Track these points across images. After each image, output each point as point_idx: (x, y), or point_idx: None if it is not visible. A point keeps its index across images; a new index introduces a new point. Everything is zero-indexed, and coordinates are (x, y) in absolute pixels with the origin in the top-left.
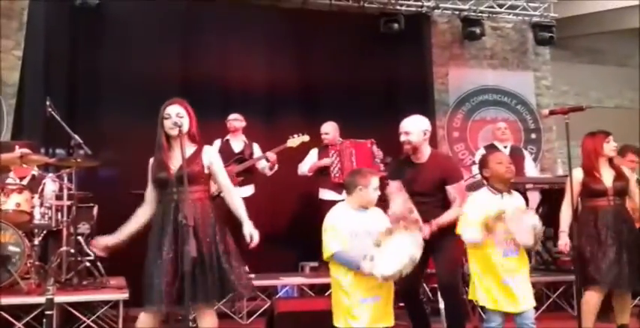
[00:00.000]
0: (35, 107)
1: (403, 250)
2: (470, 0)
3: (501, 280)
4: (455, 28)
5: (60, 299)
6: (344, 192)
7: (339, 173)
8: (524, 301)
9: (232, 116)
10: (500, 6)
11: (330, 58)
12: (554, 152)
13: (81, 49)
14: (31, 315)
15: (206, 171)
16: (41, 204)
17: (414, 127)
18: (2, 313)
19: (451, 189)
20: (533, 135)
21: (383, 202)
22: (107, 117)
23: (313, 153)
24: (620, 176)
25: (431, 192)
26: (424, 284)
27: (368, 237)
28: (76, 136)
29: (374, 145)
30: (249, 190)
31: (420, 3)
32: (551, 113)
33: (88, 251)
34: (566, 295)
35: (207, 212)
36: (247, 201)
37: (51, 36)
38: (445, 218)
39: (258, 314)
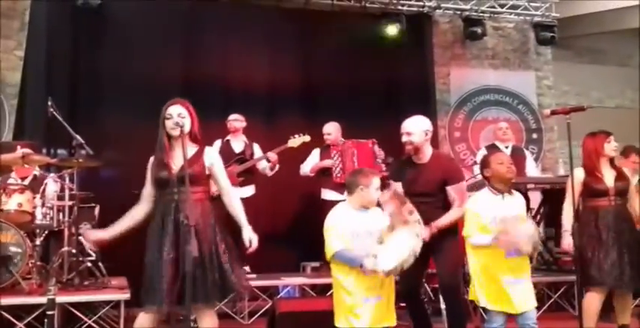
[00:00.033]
0: (37, 107)
1: (403, 244)
2: (471, 0)
3: (503, 280)
4: (456, 28)
5: (61, 299)
6: (346, 192)
7: (341, 173)
8: (525, 301)
9: (233, 116)
10: (502, 6)
11: (332, 58)
12: (556, 152)
13: (82, 50)
14: (33, 315)
15: (207, 172)
16: (43, 205)
17: (415, 128)
18: (4, 313)
19: (451, 190)
20: (535, 135)
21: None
22: (109, 118)
23: (315, 153)
24: (621, 176)
25: (432, 193)
26: (425, 285)
27: (369, 237)
28: (78, 136)
29: (375, 145)
30: (249, 190)
31: (421, 3)
32: (553, 113)
33: (90, 251)
34: (567, 295)
35: (207, 212)
36: (248, 201)
37: (53, 36)
38: (445, 219)
39: (259, 314)
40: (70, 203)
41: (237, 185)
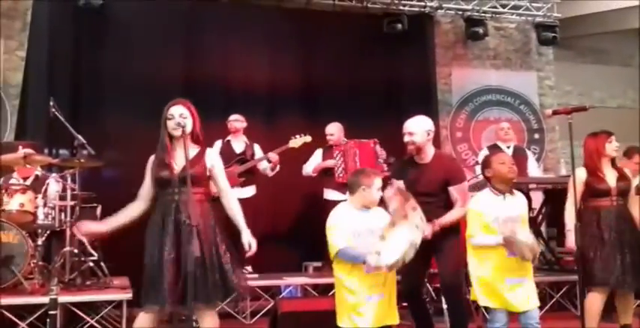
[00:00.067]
0: (39, 107)
1: (404, 237)
2: (473, 0)
3: (504, 280)
4: (458, 28)
5: (63, 299)
6: (347, 191)
7: (343, 173)
8: (528, 300)
9: (233, 117)
10: (504, 6)
11: (333, 59)
12: (558, 152)
13: (84, 50)
14: (35, 315)
15: (207, 173)
16: (45, 205)
17: (417, 128)
18: (6, 313)
19: (453, 190)
20: (537, 136)
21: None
22: (110, 118)
23: (318, 153)
24: (622, 176)
25: (434, 193)
26: (427, 284)
27: (371, 236)
28: (80, 137)
29: (377, 145)
30: (250, 191)
31: (423, 3)
32: (555, 113)
33: (92, 251)
34: (569, 295)
35: (207, 213)
36: (249, 201)
37: (54, 36)
38: (448, 218)
39: (261, 314)
40: (72, 203)
41: (238, 185)
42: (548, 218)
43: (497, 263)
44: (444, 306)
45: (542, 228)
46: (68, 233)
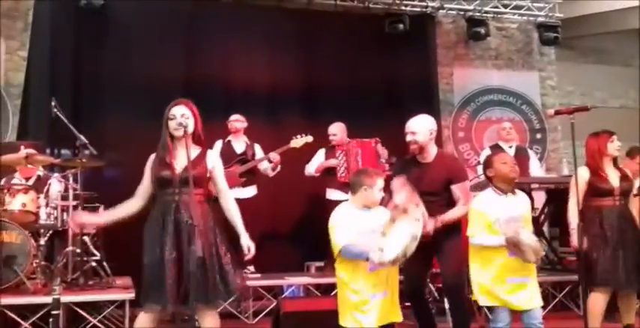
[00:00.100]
0: (40, 107)
1: (405, 231)
2: (475, 0)
3: (506, 280)
4: (460, 29)
5: (66, 298)
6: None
7: (346, 173)
8: (531, 300)
9: (234, 117)
10: (505, 6)
11: (335, 59)
12: (560, 152)
13: (85, 50)
14: (38, 315)
15: (208, 174)
16: (47, 204)
17: (420, 127)
18: (9, 313)
19: (456, 189)
20: (539, 135)
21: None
22: (112, 118)
23: (320, 153)
24: (625, 176)
25: (437, 192)
26: (430, 284)
27: (373, 235)
28: (82, 136)
29: (378, 144)
30: (251, 191)
31: (424, 3)
32: (557, 113)
33: (94, 251)
34: (572, 295)
35: (206, 214)
36: (250, 201)
37: (56, 36)
38: (450, 215)
39: (264, 313)
40: (74, 203)
41: (239, 185)
42: (550, 218)
43: (499, 263)
44: (447, 306)
45: (545, 228)
46: (70, 233)
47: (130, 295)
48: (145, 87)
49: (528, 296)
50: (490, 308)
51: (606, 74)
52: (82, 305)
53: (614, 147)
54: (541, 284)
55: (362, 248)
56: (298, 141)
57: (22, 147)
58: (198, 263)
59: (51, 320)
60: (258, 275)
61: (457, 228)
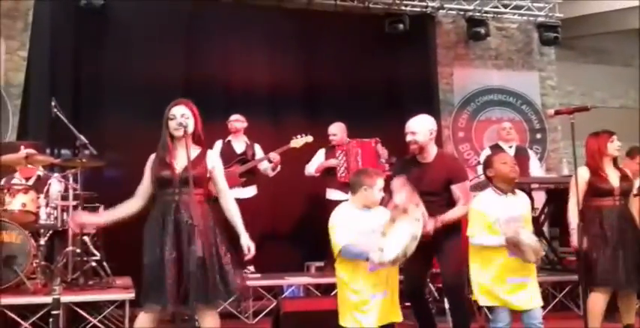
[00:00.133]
0: (40, 107)
1: (404, 231)
2: (475, 0)
3: (506, 280)
4: (460, 29)
5: (66, 299)
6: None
7: (346, 173)
8: (531, 300)
9: (233, 117)
10: (505, 6)
11: (335, 59)
12: (560, 152)
13: (85, 50)
14: (38, 315)
15: (208, 175)
16: (47, 204)
17: (420, 127)
18: (9, 313)
19: (456, 189)
20: (539, 135)
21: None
22: (111, 118)
23: (320, 153)
24: (625, 176)
25: (437, 192)
26: (430, 284)
27: (373, 235)
28: (82, 137)
29: (378, 144)
30: (252, 191)
31: (424, 3)
32: (557, 113)
33: (94, 251)
34: (572, 295)
35: (206, 214)
36: (250, 201)
37: (56, 36)
38: (450, 215)
39: (264, 313)
40: (74, 203)
41: (240, 185)
42: (550, 218)
43: (499, 263)
44: (447, 306)
45: (545, 228)
46: (70, 233)
47: (130, 295)
48: (144, 87)
49: (528, 296)
50: (490, 308)
51: (606, 74)
52: (82, 305)
53: (614, 147)
54: (541, 284)
55: (362, 249)
56: (298, 141)
57: (22, 147)
58: (199, 264)
59: (51, 320)
60: (258, 275)
61: (457, 228)
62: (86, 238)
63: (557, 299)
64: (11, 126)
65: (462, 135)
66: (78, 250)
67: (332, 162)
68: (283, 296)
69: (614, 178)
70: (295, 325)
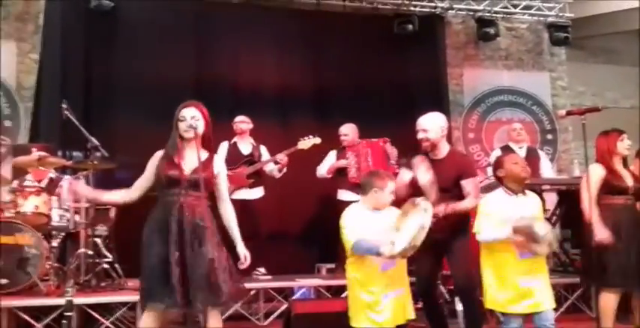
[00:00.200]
0: (52, 110)
1: (414, 223)
2: (484, 0)
3: (518, 282)
4: (469, 29)
5: (79, 300)
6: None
7: (357, 173)
8: (542, 301)
9: (239, 118)
10: (515, 6)
11: (344, 60)
12: (571, 153)
13: (96, 52)
14: (51, 317)
15: (214, 179)
16: (59, 206)
17: (432, 124)
18: (22, 314)
19: (465, 184)
20: (550, 136)
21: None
22: (123, 119)
23: (332, 154)
24: (636, 176)
25: (448, 188)
26: (441, 286)
27: (383, 235)
28: (93, 139)
29: (387, 143)
30: (259, 192)
31: (433, 4)
32: (568, 114)
33: (106, 253)
34: (584, 297)
35: (212, 217)
36: (258, 203)
37: (66, 39)
38: (461, 205)
39: (275, 315)
40: (86, 205)
41: (247, 187)
42: (562, 219)
43: (511, 265)
44: (458, 308)
45: (557, 230)
46: (82, 235)
47: None
48: (154, 88)
49: (540, 298)
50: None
51: (617, 74)
52: (94, 306)
53: (623, 145)
54: (553, 287)
55: (373, 243)
56: (306, 143)
57: (34, 149)
58: (210, 265)
59: (64, 321)
60: (269, 276)
61: (465, 229)
62: (98, 240)
63: (569, 302)
64: (23, 128)
65: (472, 136)
66: (90, 252)
67: (342, 162)
68: (295, 297)
69: (627, 177)
70: (306, 327)
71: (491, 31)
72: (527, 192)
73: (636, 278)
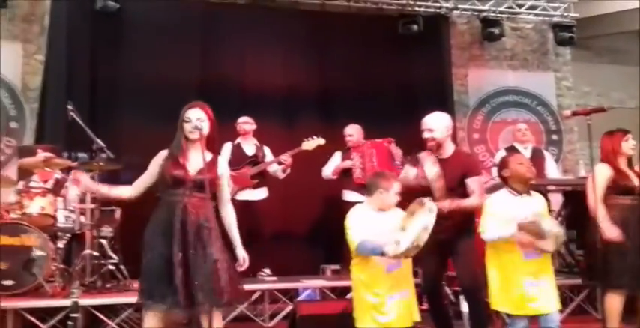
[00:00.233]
0: (57, 111)
1: (419, 223)
2: (489, 1)
3: (523, 283)
4: (474, 29)
5: (84, 301)
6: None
7: (362, 174)
8: (547, 303)
9: (242, 119)
10: (520, 6)
11: (348, 60)
12: (576, 153)
13: (102, 53)
14: (57, 318)
15: (217, 180)
16: (64, 207)
17: (437, 124)
18: (28, 316)
19: (470, 182)
20: (555, 137)
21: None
22: (128, 120)
23: (337, 155)
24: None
25: (453, 187)
26: (446, 287)
27: (388, 236)
28: (98, 140)
29: (392, 144)
30: (262, 193)
31: (438, 4)
32: (574, 114)
33: (112, 254)
34: (590, 298)
35: (215, 219)
36: (262, 203)
37: (72, 40)
38: (466, 202)
39: (280, 316)
40: (92, 206)
41: (251, 187)
42: (567, 220)
43: (516, 266)
44: (463, 309)
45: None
46: (88, 236)
47: None
48: (160, 90)
49: (546, 300)
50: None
51: (622, 74)
52: (99, 308)
53: (628, 145)
54: (558, 288)
55: (377, 244)
56: (310, 143)
57: (40, 150)
58: (214, 266)
59: (70, 322)
60: (275, 278)
61: (470, 230)
62: (104, 241)
63: (575, 303)
64: (29, 129)
65: (477, 136)
66: (96, 253)
67: (347, 163)
68: (300, 299)
69: (633, 177)
70: None
71: (496, 31)
72: (531, 192)
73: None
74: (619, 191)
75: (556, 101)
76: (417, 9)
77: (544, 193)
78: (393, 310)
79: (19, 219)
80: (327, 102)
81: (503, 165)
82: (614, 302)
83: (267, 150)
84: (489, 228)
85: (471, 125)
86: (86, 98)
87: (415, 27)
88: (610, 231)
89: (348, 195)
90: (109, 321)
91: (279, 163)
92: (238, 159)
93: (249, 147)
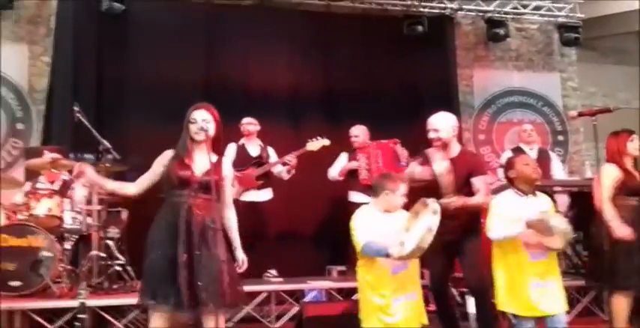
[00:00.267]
0: (64, 112)
1: (423, 224)
2: (494, 1)
3: (530, 284)
4: (479, 30)
5: (91, 302)
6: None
7: (368, 175)
8: (554, 304)
9: (246, 120)
10: (525, 7)
11: (353, 61)
12: (582, 154)
13: (107, 54)
14: (64, 319)
15: (221, 182)
16: (71, 209)
17: (443, 124)
18: (35, 316)
19: (476, 181)
20: (561, 137)
21: None
22: (134, 121)
23: (343, 157)
24: None
25: (459, 187)
26: (453, 289)
27: (393, 237)
28: (105, 141)
29: (397, 145)
30: (267, 194)
31: (443, 5)
32: (580, 115)
33: (118, 255)
34: (597, 299)
35: (220, 220)
36: (267, 204)
37: (78, 41)
38: (472, 200)
39: (286, 317)
40: (99, 207)
41: (256, 188)
42: (574, 221)
43: (523, 268)
44: (470, 310)
45: None
46: (95, 237)
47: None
48: (165, 90)
49: (553, 301)
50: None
51: (628, 75)
52: (106, 309)
53: (633, 146)
54: (565, 289)
55: (382, 245)
56: (315, 144)
57: (47, 151)
58: (220, 268)
59: (77, 323)
60: (281, 279)
61: (476, 230)
62: (110, 242)
63: (582, 304)
64: (35, 131)
65: (482, 137)
66: (102, 254)
67: (353, 164)
68: (306, 300)
69: (639, 178)
70: None
71: (501, 31)
72: (537, 193)
73: None
74: (626, 192)
75: (562, 102)
76: (421, 10)
77: (550, 194)
78: (400, 311)
79: (26, 220)
80: (332, 103)
81: (509, 166)
82: (621, 304)
83: (271, 151)
84: (495, 227)
85: (476, 126)
86: (92, 99)
87: (420, 28)
88: (620, 229)
89: (354, 196)
90: (115, 322)
91: (284, 164)
92: (243, 160)
93: (254, 148)
